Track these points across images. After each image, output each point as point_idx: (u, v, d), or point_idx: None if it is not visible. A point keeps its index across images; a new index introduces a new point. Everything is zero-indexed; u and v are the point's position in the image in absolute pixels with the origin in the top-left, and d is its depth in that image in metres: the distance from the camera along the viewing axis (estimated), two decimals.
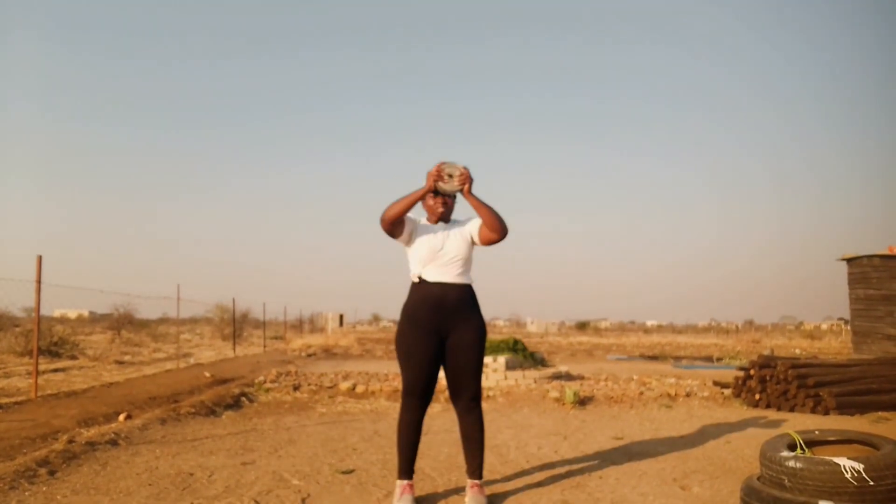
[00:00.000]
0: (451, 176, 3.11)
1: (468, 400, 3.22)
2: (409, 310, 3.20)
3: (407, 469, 3.21)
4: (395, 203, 3.10)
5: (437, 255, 3.14)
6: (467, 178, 3.09)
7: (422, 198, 3.13)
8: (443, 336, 3.16)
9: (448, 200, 3.22)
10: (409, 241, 3.24)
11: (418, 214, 3.33)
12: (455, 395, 3.25)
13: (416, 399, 3.18)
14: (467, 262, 3.22)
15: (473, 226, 3.23)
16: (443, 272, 3.15)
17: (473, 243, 3.24)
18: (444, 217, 3.24)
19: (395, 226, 3.14)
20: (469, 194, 3.10)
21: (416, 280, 3.19)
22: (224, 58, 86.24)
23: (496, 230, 3.11)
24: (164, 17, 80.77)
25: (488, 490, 3.38)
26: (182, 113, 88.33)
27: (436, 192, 3.18)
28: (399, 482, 3.20)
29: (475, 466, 3.22)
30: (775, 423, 5.77)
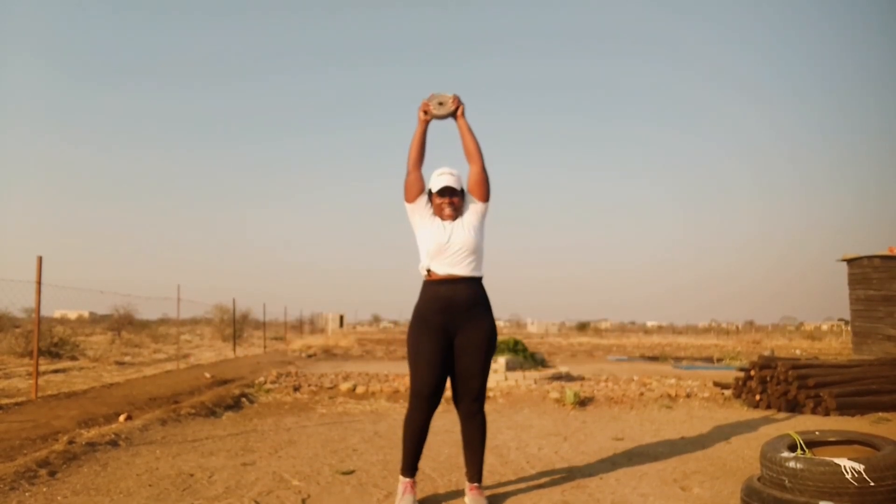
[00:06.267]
0: (441, 104, 3.19)
1: (472, 402, 3.17)
2: (419, 310, 3.18)
3: (410, 467, 3.18)
4: (408, 156, 3.22)
5: (443, 248, 3.12)
6: (460, 102, 3.22)
7: (422, 133, 3.22)
8: (451, 336, 3.13)
9: (455, 201, 3.19)
10: (414, 203, 3.22)
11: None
12: (458, 397, 3.20)
13: (424, 401, 3.12)
14: (476, 253, 3.17)
15: (468, 183, 3.28)
16: (451, 264, 3.12)
17: (476, 200, 3.25)
18: (452, 218, 3.21)
19: (416, 182, 3.19)
20: (462, 117, 3.24)
21: (425, 273, 3.17)
22: (216, 72, 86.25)
23: (475, 157, 3.22)
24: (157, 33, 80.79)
25: (489, 492, 3.37)
26: (181, 116, 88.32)
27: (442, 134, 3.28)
28: (402, 479, 3.18)
29: (475, 471, 3.20)
30: (775, 424, 5.77)
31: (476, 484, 3.19)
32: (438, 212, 3.22)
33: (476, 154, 3.23)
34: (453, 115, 3.25)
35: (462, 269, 3.12)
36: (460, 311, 3.11)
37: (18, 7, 71.28)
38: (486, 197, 3.25)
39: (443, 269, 3.12)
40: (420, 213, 3.22)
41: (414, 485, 3.18)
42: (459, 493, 3.37)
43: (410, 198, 3.22)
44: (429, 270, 3.15)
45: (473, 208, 3.24)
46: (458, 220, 3.19)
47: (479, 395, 3.19)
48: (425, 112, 3.21)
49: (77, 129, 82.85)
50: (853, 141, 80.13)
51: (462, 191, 3.25)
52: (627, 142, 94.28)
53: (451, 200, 3.18)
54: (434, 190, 3.20)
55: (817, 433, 2.96)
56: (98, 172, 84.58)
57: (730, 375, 8.61)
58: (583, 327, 56.67)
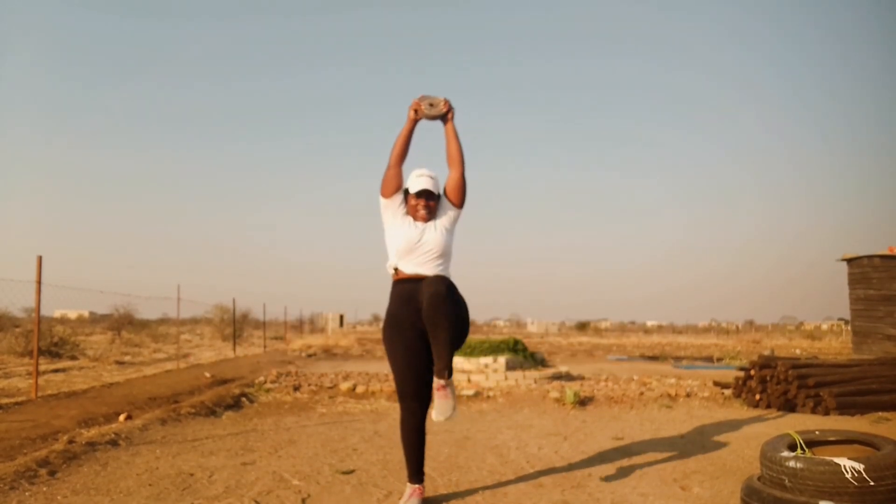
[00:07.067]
0: (432, 105, 3.22)
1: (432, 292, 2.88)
2: (389, 312, 3.20)
3: (416, 472, 3.19)
4: (391, 152, 3.21)
5: (414, 248, 3.12)
6: (451, 107, 3.23)
7: (410, 131, 3.22)
8: (422, 329, 3.07)
9: (431, 204, 3.20)
10: (390, 199, 3.20)
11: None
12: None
13: (410, 401, 3.12)
14: (445, 255, 3.18)
15: (446, 186, 3.27)
16: (419, 264, 3.12)
17: (452, 204, 3.24)
18: (425, 220, 3.20)
19: (394, 178, 3.18)
20: (451, 122, 3.25)
21: (392, 271, 3.17)
22: (216, 72, 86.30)
23: (457, 163, 3.22)
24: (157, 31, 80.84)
25: (489, 492, 3.38)
26: (181, 116, 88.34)
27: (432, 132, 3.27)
28: (409, 486, 3.19)
29: (441, 366, 2.97)
30: (775, 424, 5.77)
31: (442, 382, 2.99)
32: (412, 212, 3.22)
33: (458, 160, 3.24)
34: (442, 118, 3.27)
35: (429, 270, 3.11)
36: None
37: (18, 7, 71.30)
38: (461, 203, 3.26)
39: (410, 268, 3.12)
40: (393, 211, 3.22)
41: (422, 490, 3.18)
42: (460, 494, 3.37)
43: (387, 193, 3.21)
44: (396, 269, 3.15)
45: (447, 212, 3.24)
46: (431, 222, 3.19)
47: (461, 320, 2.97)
48: (416, 111, 3.22)
49: (77, 128, 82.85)
50: (853, 141, 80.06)
51: (439, 195, 3.24)
52: (627, 142, 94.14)
53: (428, 203, 3.18)
54: (412, 191, 3.19)
55: (817, 433, 2.96)
56: (98, 172, 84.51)
57: (730, 375, 8.61)
58: (583, 327, 56.65)
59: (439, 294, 2.87)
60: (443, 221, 3.21)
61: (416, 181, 3.19)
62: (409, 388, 3.11)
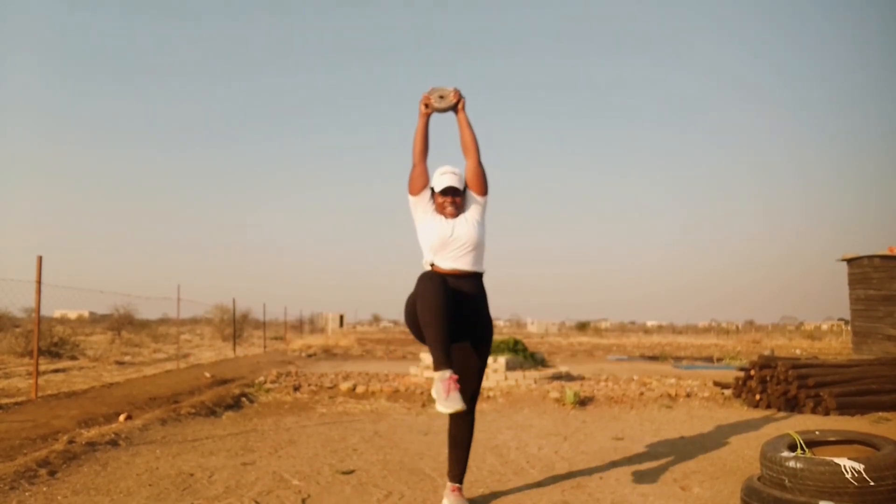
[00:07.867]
0: (442, 97, 3.22)
1: (467, 401, 3.16)
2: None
3: (446, 357, 2.79)
4: (413, 150, 3.24)
5: (447, 242, 3.12)
6: (461, 96, 3.24)
7: (425, 126, 3.23)
8: (455, 298, 2.93)
9: (457, 200, 3.20)
10: (418, 197, 3.21)
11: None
12: None
13: (437, 282, 2.82)
14: (479, 247, 3.17)
15: (466, 177, 3.27)
16: (455, 258, 3.12)
17: (476, 194, 3.24)
18: (454, 216, 3.21)
19: (421, 175, 3.20)
20: (462, 111, 3.26)
21: (429, 268, 3.16)
22: (216, 72, 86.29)
23: (472, 152, 3.24)
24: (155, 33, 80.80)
25: (488, 490, 3.37)
26: (181, 116, 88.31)
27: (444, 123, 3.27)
28: (441, 376, 2.76)
29: (458, 471, 3.22)
30: (776, 424, 5.77)
31: (458, 485, 3.20)
32: (441, 210, 3.22)
33: (473, 148, 3.25)
34: (454, 108, 3.27)
35: (465, 264, 3.13)
36: (464, 301, 3.07)
37: (18, 7, 71.29)
38: (484, 190, 3.25)
39: (446, 263, 3.12)
40: (423, 208, 3.22)
41: (456, 380, 2.77)
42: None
43: (415, 190, 3.22)
44: (432, 265, 3.15)
45: (474, 204, 3.25)
46: (461, 216, 3.20)
47: (475, 395, 3.22)
48: (426, 105, 3.22)
49: (77, 129, 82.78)
50: (853, 141, 79.99)
51: (464, 189, 3.25)
52: (627, 142, 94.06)
53: (454, 200, 3.19)
54: (437, 189, 3.20)
55: (817, 433, 2.97)
56: (98, 172, 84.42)
57: (730, 375, 8.61)
58: (583, 327, 56.59)
59: (466, 414, 3.13)
60: (472, 214, 3.21)
61: (440, 179, 3.20)
62: (437, 278, 2.86)
